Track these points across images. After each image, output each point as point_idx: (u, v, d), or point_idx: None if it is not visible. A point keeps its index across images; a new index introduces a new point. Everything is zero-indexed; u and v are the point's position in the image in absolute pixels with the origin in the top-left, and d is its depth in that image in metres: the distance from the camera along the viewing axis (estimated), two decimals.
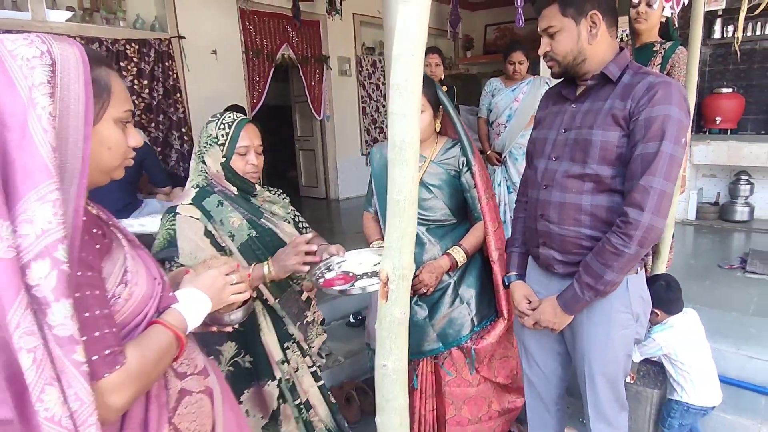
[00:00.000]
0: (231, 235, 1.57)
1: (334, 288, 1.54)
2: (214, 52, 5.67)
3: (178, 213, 1.52)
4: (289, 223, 1.76)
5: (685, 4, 1.97)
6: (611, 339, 1.61)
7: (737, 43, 2.07)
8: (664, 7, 1.85)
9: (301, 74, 6.63)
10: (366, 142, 7.65)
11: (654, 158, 1.38)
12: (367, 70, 7.44)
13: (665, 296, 2.16)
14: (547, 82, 3.82)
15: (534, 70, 4.21)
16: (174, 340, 0.92)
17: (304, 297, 1.79)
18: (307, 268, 1.55)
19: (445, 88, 3.77)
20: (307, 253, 1.52)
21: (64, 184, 0.75)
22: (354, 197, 7.48)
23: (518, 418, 2.27)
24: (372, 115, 7.68)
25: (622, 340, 1.63)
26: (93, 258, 0.82)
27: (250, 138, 1.61)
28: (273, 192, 1.81)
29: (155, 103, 5.15)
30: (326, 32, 6.82)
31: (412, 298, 1.98)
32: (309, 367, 1.78)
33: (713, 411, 2.21)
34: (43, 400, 0.69)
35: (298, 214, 1.87)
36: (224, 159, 1.58)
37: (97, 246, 0.85)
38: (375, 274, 1.57)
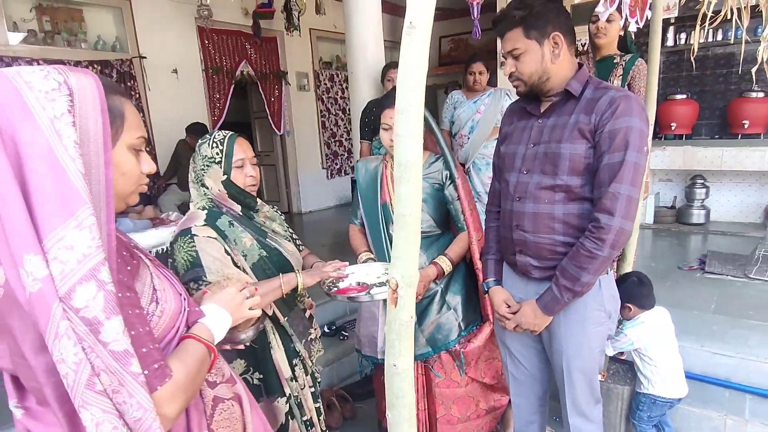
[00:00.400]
0: (244, 254, 1.59)
1: (347, 296, 1.67)
2: (175, 71, 5.66)
3: (195, 235, 1.51)
4: (289, 241, 1.80)
5: (648, 18, 2.14)
6: (587, 336, 1.73)
7: (693, 53, 2.24)
8: (629, 23, 2.01)
9: (261, 90, 6.66)
10: (326, 155, 7.72)
11: (620, 167, 1.49)
12: (325, 84, 7.54)
13: (638, 291, 2.26)
14: (507, 94, 3.99)
15: (491, 81, 4.38)
16: (207, 351, 0.96)
17: (307, 315, 1.86)
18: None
19: None
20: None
21: (94, 209, 0.77)
22: (316, 210, 7.54)
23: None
24: (331, 129, 7.76)
25: (596, 336, 1.75)
26: (128, 279, 0.86)
27: (244, 151, 1.64)
28: (270, 207, 1.83)
29: None
30: (284, 48, 6.89)
31: None
32: (310, 387, 1.82)
33: (681, 405, 2.34)
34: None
35: (289, 227, 1.91)
36: (225, 176, 1.60)
37: (128, 268, 0.89)
38: (383, 283, 1.70)
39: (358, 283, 1.74)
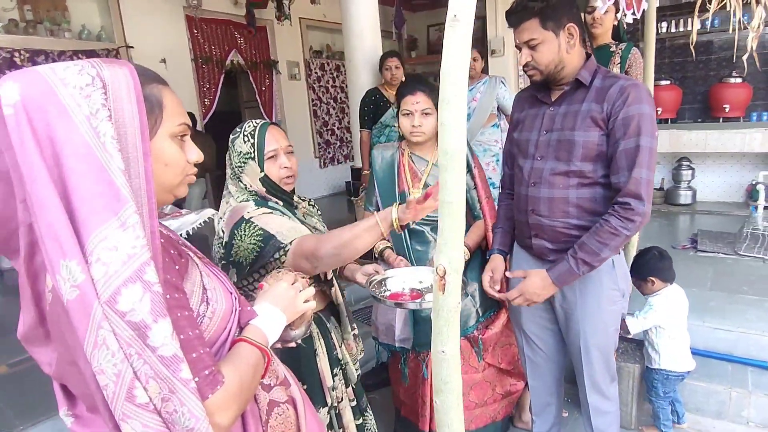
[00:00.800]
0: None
1: (396, 302, 1.62)
2: (163, 60, 5.59)
3: (251, 217, 1.42)
4: None
5: (645, 9, 2.17)
6: (603, 314, 1.79)
7: (692, 42, 2.28)
8: (626, 14, 2.03)
9: (251, 79, 6.61)
10: (318, 144, 7.70)
11: (636, 152, 1.56)
12: (316, 73, 7.49)
13: (660, 265, 2.30)
14: (502, 82, 4.03)
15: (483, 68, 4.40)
16: (261, 355, 0.91)
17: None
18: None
19: None
20: None
21: (136, 206, 0.73)
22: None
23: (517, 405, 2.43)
24: (323, 118, 7.73)
25: (611, 315, 1.81)
26: (176, 279, 0.81)
27: (277, 140, 1.52)
28: (307, 202, 1.75)
29: None
30: (274, 37, 6.83)
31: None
32: (350, 400, 1.68)
33: (688, 380, 2.41)
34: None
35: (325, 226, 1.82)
36: (262, 173, 1.50)
37: (176, 267, 0.84)
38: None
39: (411, 290, 1.69)
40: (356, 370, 1.72)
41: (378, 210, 2.20)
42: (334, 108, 7.83)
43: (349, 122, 8.02)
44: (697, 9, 2.06)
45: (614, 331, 1.86)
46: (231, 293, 0.96)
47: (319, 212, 1.79)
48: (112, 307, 0.68)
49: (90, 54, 4.89)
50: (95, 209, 0.70)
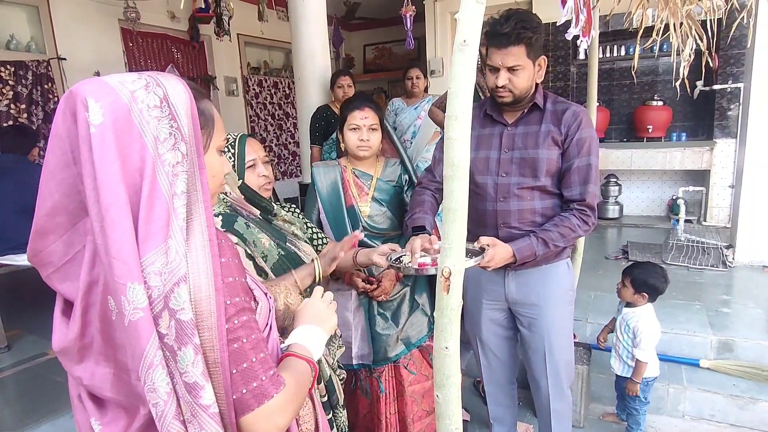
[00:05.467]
0: (264, 255, 1.54)
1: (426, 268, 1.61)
2: (97, 73, 5.35)
3: None
4: (307, 243, 1.77)
5: (593, 37, 2.38)
6: (563, 315, 1.97)
7: (634, 68, 2.53)
8: (581, 42, 2.22)
9: None
10: None
11: (588, 170, 1.80)
12: (254, 89, 7.44)
13: (661, 287, 2.37)
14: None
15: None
16: (309, 367, 0.96)
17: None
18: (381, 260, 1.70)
19: None
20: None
21: (193, 217, 0.77)
22: None
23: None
24: (260, 134, 7.67)
25: (569, 316, 2.01)
26: (243, 280, 0.84)
27: (255, 150, 1.60)
28: (287, 209, 1.81)
29: (35, 128, 4.76)
30: (212, 52, 6.74)
31: (373, 308, 2.15)
32: (322, 396, 1.65)
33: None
34: None
35: (312, 226, 1.90)
36: (240, 181, 1.56)
37: (239, 266, 0.86)
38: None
39: (433, 260, 1.67)
40: (332, 366, 1.68)
41: (320, 225, 2.17)
42: (272, 125, 7.80)
43: (286, 138, 8.01)
44: (640, 35, 2.29)
45: (571, 332, 2.02)
46: (266, 293, 1.01)
47: (301, 217, 1.87)
48: (156, 328, 0.72)
49: (18, 65, 4.65)
50: (151, 233, 0.73)
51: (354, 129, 2.09)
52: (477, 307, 2.09)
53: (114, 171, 0.71)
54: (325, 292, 1.18)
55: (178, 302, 0.73)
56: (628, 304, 2.44)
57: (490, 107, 1.92)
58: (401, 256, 1.73)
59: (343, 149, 2.21)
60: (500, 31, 1.70)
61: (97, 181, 0.70)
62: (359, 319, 2.15)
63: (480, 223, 1.96)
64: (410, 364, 2.17)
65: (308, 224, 1.90)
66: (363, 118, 2.07)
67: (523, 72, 1.74)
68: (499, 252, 1.72)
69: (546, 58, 1.81)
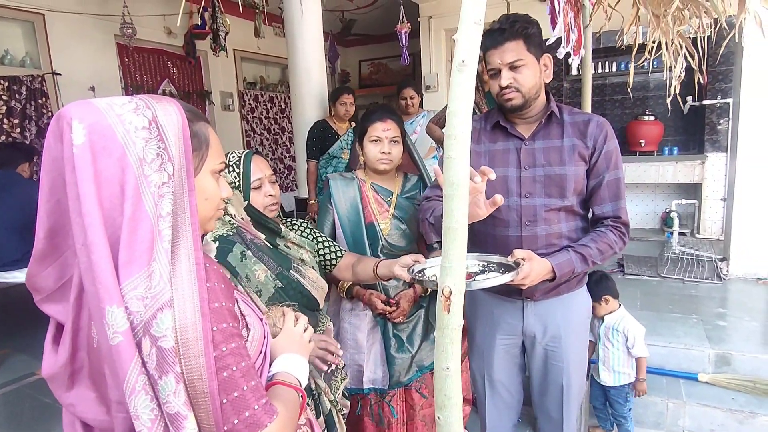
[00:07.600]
0: (258, 290, 1.46)
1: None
2: (92, 88, 5.38)
3: None
4: (314, 268, 1.66)
5: (583, 55, 2.41)
6: (584, 342, 1.89)
7: (629, 85, 2.56)
8: (572, 59, 2.24)
9: None
10: None
11: (617, 184, 1.67)
12: (249, 104, 7.47)
13: (609, 284, 2.44)
14: None
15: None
16: (297, 394, 0.95)
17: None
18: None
19: (353, 124, 4.04)
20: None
21: (179, 240, 0.75)
22: None
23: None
24: (256, 149, 7.68)
25: (586, 346, 1.92)
26: (231, 305, 0.82)
27: (261, 169, 1.54)
28: (296, 228, 1.73)
29: (28, 143, 4.75)
30: (208, 68, 6.77)
31: (388, 330, 2.09)
32: (323, 430, 1.62)
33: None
34: None
35: (325, 238, 1.81)
36: (246, 202, 1.49)
37: (227, 292, 0.84)
38: (483, 271, 1.57)
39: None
40: (333, 400, 1.66)
41: (333, 237, 2.10)
42: (267, 139, 7.81)
43: (282, 153, 8.02)
44: (634, 53, 2.31)
45: (586, 360, 1.97)
46: (261, 319, 0.98)
47: (312, 234, 1.77)
48: (140, 354, 0.71)
49: (12, 80, 4.65)
50: (134, 256, 0.71)
51: (375, 141, 1.99)
52: (490, 343, 1.90)
53: (91, 191, 0.70)
54: (298, 319, 1.15)
55: (159, 329, 0.71)
56: (604, 318, 2.50)
57: (501, 119, 1.73)
58: (425, 269, 1.58)
59: (361, 162, 2.11)
60: (494, 29, 1.61)
61: (80, 202, 0.70)
62: (374, 341, 2.09)
63: (501, 252, 1.65)
64: (423, 388, 2.10)
65: (320, 237, 1.80)
66: (385, 130, 1.98)
67: (526, 68, 1.60)
68: (536, 267, 1.54)
69: (551, 57, 1.67)
